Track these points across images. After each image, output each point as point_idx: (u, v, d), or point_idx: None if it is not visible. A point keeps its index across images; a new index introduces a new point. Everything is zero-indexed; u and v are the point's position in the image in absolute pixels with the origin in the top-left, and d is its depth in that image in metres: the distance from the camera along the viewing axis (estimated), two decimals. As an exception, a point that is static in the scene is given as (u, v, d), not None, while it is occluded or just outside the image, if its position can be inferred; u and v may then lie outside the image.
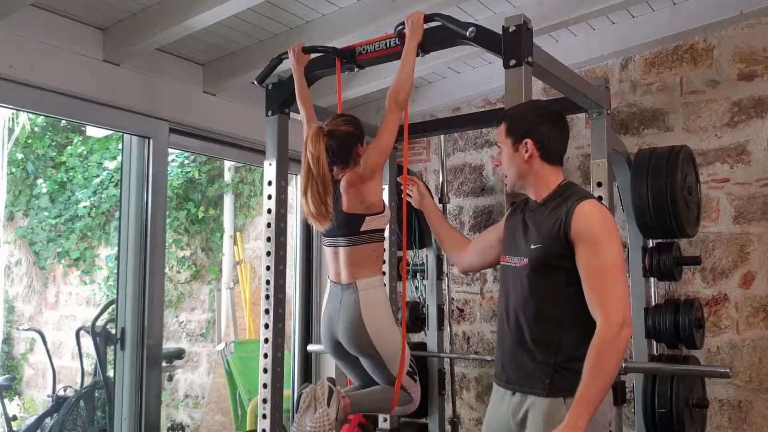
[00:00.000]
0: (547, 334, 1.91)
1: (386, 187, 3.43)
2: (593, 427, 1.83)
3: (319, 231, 2.45)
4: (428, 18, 2.45)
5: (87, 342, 4.42)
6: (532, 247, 1.93)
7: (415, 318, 3.86)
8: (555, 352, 1.89)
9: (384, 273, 3.33)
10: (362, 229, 2.34)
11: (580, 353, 1.81)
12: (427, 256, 3.86)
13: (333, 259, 2.44)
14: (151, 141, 3.33)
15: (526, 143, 1.97)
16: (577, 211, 1.87)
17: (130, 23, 3.02)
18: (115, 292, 3.45)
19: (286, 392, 3.05)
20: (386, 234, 2.48)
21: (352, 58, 2.65)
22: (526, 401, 1.92)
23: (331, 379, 2.34)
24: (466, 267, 2.42)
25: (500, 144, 2.04)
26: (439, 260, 3.85)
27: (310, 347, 3.77)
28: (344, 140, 2.35)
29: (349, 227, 2.36)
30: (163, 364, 3.79)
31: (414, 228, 3.73)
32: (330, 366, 4.31)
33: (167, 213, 3.68)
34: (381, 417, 3.49)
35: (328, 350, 2.52)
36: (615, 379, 2.43)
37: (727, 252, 3.50)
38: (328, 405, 2.25)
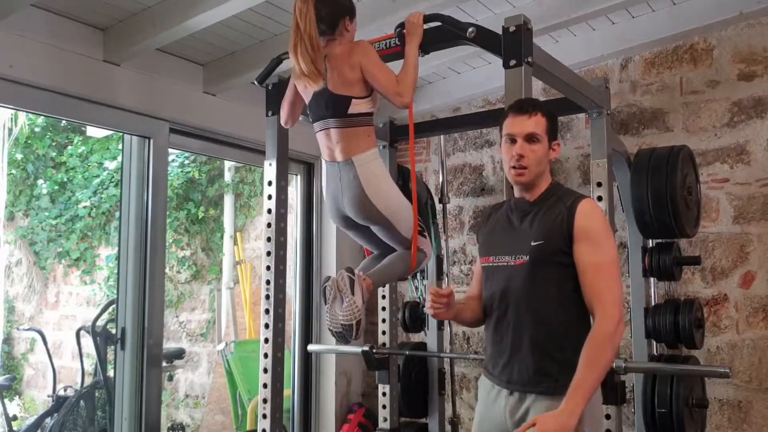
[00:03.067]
0: (551, 329, 1.92)
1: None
2: (593, 420, 1.88)
3: (310, 118, 2.49)
4: (428, 18, 2.45)
5: (87, 342, 4.42)
6: (533, 243, 1.93)
7: (415, 318, 3.87)
8: (560, 348, 1.91)
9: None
10: (349, 111, 2.37)
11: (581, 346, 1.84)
12: (427, 256, 3.85)
13: (325, 140, 2.46)
14: (151, 141, 3.33)
15: (556, 145, 2.02)
16: (580, 209, 1.91)
17: (130, 23, 3.02)
18: (115, 292, 3.45)
19: (286, 392, 3.05)
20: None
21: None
22: (526, 400, 1.92)
23: (348, 269, 2.42)
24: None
25: (539, 137, 1.97)
26: (439, 260, 3.85)
27: (310, 347, 3.76)
28: (333, 7, 2.39)
29: (336, 109, 2.38)
30: (164, 364, 3.79)
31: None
32: (331, 366, 4.32)
33: (167, 213, 3.68)
34: (381, 417, 3.50)
35: (338, 225, 2.60)
36: (616, 379, 2.45)
37: (727, 252, 3.50)
38: (353, 293, 2.36)
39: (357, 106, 2.37)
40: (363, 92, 2.38)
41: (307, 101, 2.49)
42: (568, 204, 1.94)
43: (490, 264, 2.05)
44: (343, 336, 2.38)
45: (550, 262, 1.92)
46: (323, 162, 2.53)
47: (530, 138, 1.96)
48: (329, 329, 2.42)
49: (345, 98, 2.36)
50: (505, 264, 1.99)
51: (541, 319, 1.93)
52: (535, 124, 1.97)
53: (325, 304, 2.43)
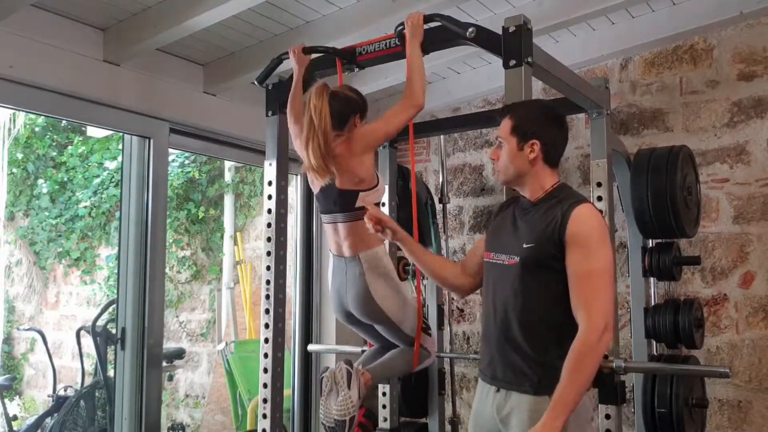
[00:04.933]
0: (536, 332, 1.93)
1: (386, 187, 3.43)
2: (576, 421, 1.87)
3: (318, 204, 2.48)
4: (428, 18, 2.45)
5: (87, 342, 4.42)
6: (525, 246, 1.94)
7: (415, 318, 3.86)
8: (544, 350, 1.91)
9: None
10: (357, 205, 2.35)
11: (568, 352, 1.83)
12: (427, 256, 3.85)
13: (333, 234, 2.45)
14: (152, 141, 3.33)
15: (532, 144, 1.98)
16: (574, 215, 1.89)
17: (130, 23, 3.02)
18: (115, 292, 3.45)
19: (287, 392, 3.05)
20: (386, 210, 2.48)
21: (353, 59, 2.65)
22: (511, 398, 1.94)
23: (348, 361, 2.38)
24: (469, 290, 2.31)
25: (503, 139, 2.02)
26: (439, 260, 3.85)
27: (310, 347, 3.77)
28: (345, 104, 2.37)
29: (344, 204, 2.37)
30: (164, 363, 3.79)
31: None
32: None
33: (167, 213, 3.68)
34: (381, 417, 3.49)
35: (342, 320, 2.56)
36: (616, 379, 2.45)
37: (726, 252, 3.50)
38: (349, 387, 2.30)
39: (365, 199, 2.35)
40: (371, 184, 2.38)
41: (315, 192, 2.48)
42: (564, 208, 1.91)
43: (490, 260, 2.07)
44: (334, 431, 2.31)
45: (539, 266, 1.92)
46: (330, 254, 2.51)
47: (498, 142, 2.04)
48: (322, 423, 2.35)
49: (353, 192, 2.34)
50: (501, 262, 2.01)
51: (526, 321, 1.93)
52: (501, 127, 2.03)
53: (321, 396, 2.37)
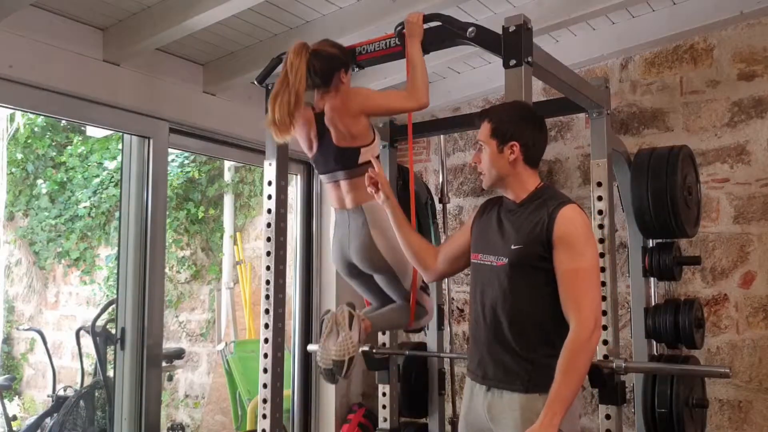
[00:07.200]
0: (526, 331, 1.95)
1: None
2: (567, 418, 1.88)
3: (316, 169, 2.51)
4: (428, 18, 2.45)
5: (87, 342, 4.42)
6: (513, 247, 1.97)
7: (415, 318, 3.86)
8: (534, 348, 1.94)
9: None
10: (360, 161, 2.37)
11: (558, 350, 1.87)
12: (427, 256, 3.85)
13: (334, 190, 2.47)
14: (151, 141, 3.33)
15: (512, 146, 2.01)
16: (560, 216, 1.92)
17: (130, 23, 3.02)
18: (115, 292, 3.45)
19: (286, 392, 3.05)
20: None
21: (352, 58, 2.65)
22: (503, 397, 1.96)
23: (350, 304, 2.40)
24: (438, 275, 2.34)
25: (483, 143, 2.06)
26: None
27: (310, 347, 3.75)
28: (328, 61, 2.37)
29: (345, 161, 2.38)
30: (163, 364, 3.78)
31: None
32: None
33: (167, 213, 3.68)
34: (381, 417, 3.49)
35: (342, 273, 2.59)
36: (616, 379, 2.45)
37: (727, 252, 3.50)
38: (350, 329, 2.32)
39: (365, 155, 2.37)
40: (368, 139, 2.39)
41: (311, 155, 2.50)
42: (550, 209, 1.95)
43: (478, 261, 2.09)
44: (332, 374, 2.31)
45: (528, 266, 1.95)
46: (332, 209, 2.53)
47: (479, 146, 2.07)
48: (318, 365, 2.36)
49: (353, 150, 2.36)
50: (489, 263, 2.03)
51: (516, 321, 1.96)
52: (481, 131, 2.06)
53: (319, 337, 2.37)
